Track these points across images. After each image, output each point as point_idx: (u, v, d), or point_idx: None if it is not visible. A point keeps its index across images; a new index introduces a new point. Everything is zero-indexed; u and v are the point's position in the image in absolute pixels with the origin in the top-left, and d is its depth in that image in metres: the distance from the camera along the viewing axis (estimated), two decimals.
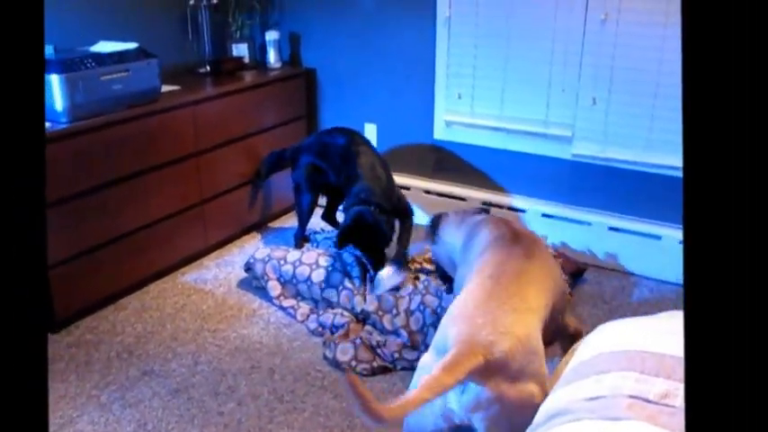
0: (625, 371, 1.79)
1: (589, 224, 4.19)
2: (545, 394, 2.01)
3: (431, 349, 2.17)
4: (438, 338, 2.13)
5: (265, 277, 3.83)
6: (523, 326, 2.06)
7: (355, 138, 4.01)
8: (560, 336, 2.73)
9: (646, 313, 3.70)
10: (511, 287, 2.20)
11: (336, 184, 4.06)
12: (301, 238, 4.31)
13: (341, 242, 3.63)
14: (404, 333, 3.33)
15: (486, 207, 3.19)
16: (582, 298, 3.88)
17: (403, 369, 3.27)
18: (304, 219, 4.28)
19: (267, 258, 3.86)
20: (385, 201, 3.73)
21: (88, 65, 3.48)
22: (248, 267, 3.94)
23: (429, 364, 2.09)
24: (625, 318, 3.66)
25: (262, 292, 3.89)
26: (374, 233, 3.60)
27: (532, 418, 1.90)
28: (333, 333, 3.48)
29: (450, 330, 2.06)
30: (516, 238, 2.57)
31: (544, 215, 4.30)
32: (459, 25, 4.27)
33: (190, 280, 4.11)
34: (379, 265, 3.64)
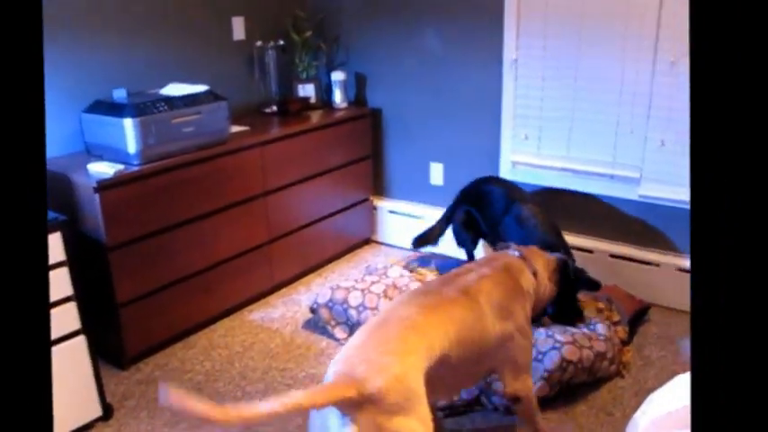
0: None
1: (657, 265, 4.13)
2: (428, 429, 2.19)
3: None
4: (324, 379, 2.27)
5: (332, 322, 3.88)
6: (400, 366, 2.17)
7: (513, 191, 4.03)
8: (505, 397, 2.85)
9: None
10: (392, 330, 2.31)
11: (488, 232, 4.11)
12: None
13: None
14: None
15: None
16: (649, 339, 3.83)
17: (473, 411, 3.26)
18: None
19: (331, 304, 3.89)
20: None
21: (160, 108, 3.56)
22: (313, 310, 3.98)
23: None
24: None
25: (329, 331, 3.91)
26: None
27: None
28: None
29: (330, 370, 2.20)
30: (445, 284, 2.66)
31: (611, 255, 4.27)
32: (526, 68, 4.27)
33: (257, 318, 4.15)
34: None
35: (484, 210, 4.08)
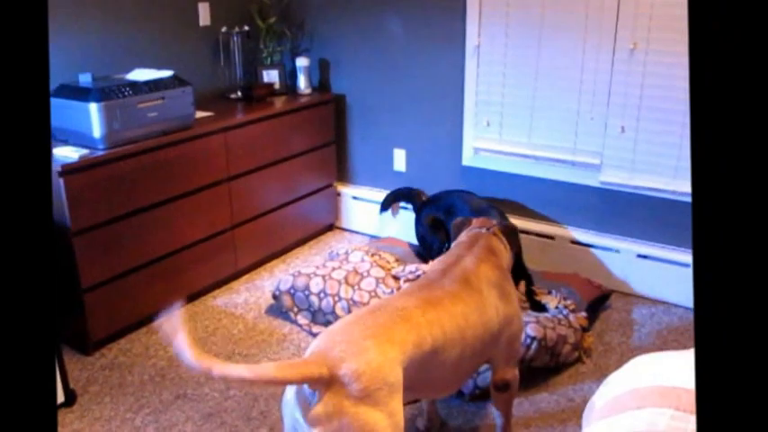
0: (661, 407, 1.81)
1: (617, 251, 4.20)
2: (395, 427, 2.09)
3: None
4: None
5: (294, 309, 3.90)
6: (380, 354, 2.11)
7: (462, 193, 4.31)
8: (494, 384, 2.80)
9: (675, 341, 3.70)
10: (382, 317, 2.25)
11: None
12: None
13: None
14: None
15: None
16: (610, 325, 3.89)
17: None
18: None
19: (292, 290, 3.92)
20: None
21: (126, 93, 3.55)
22: (275, 296, 4.00)
23: None
24: (654, 345, 3.66)
25: (291, 317, 3.93)
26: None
27: None
28: None
29: (313, 343, 2.17)
30: (446, 274, 2.58)
31: (572, 242, 4.33)
32: (489, 54, 4.31)
33: (220, 304, 4.16)
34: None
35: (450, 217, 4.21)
